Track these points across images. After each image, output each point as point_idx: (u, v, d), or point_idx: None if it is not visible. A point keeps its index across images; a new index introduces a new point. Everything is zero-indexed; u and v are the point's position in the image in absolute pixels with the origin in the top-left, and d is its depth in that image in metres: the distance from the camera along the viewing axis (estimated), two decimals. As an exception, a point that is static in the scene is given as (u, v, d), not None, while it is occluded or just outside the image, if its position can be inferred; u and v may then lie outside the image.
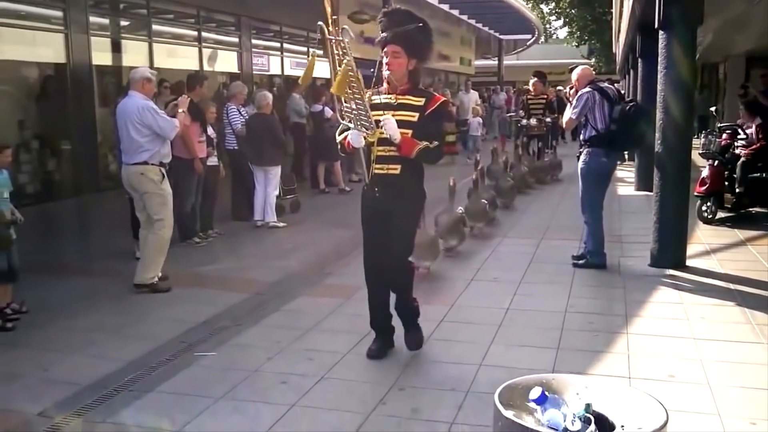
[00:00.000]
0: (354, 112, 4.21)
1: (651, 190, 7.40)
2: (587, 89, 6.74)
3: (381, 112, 4.31)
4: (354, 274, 5.40)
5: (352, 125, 4.29)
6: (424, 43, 4.45)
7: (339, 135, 4.52)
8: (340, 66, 4.07)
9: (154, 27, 12.84)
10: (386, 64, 4.34)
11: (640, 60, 11.69)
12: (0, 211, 5.32)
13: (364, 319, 5.27)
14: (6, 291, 5.57)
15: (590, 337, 4.98)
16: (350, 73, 4.07)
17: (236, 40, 15.40)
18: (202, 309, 5.74)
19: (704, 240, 8.01)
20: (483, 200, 8.47)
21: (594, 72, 7.56)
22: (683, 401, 3.89)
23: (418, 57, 4.40)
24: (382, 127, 4.21)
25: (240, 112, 9.43)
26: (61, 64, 10.75)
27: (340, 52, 4.08)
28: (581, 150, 6.91)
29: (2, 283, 5.47)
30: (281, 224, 9.19)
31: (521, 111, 14.83)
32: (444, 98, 4.51)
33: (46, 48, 10.66)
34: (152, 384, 4.25)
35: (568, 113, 6.93)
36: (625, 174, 13.75)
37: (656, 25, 6.72)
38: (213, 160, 8.29)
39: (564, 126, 7.43)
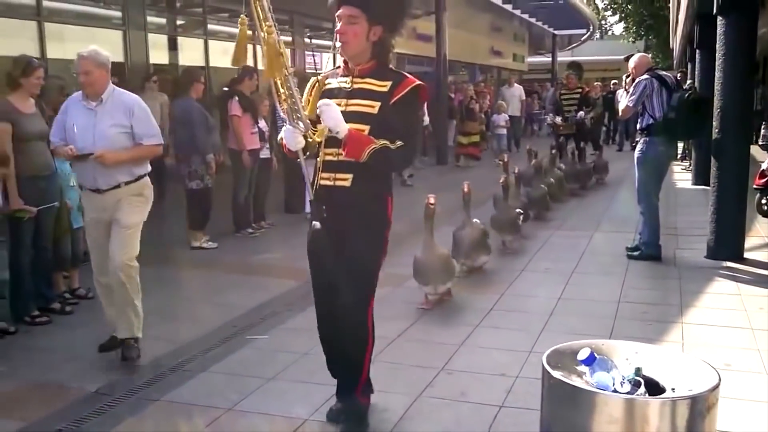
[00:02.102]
0: (287, 101, 3.11)
1: (708, 184, 7.24)
2: (645, 76, 6.61)
3: (335, 101, 3.18)
4: (405, 265, 5.40)
5: (286, 119, 3.19)
6: (392, 3, 3.26)
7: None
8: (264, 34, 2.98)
9: (210, 26, 13.09)
10: (337, 33, 3.20)
11: (698, 51, 11.43)
12: (62, 201, 5.49)
13: (412, 307, 5.35)
14: (73, 276, 5.78)
15: (644, 326, 4.90)
16: (274, 44, 2.98)
17: (289, 38, 15.57)
18: (253, 295, 5.83)
19: (763, 233, 7.80)
20: (516, 209, 7.31)
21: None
22: (740, 390, 3.79)
23: (384, 24, 3.20)
24: (319, 114, 3.13)
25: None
26: (119, 63, 11.05)
27: (262, 16, 2.95)
28: (638, 139, 6.81)
29: (66, 268, 5.67)
30: (332, 217, 9.23)
31: (550, 108, 13.85)
32: (418, 82, 3.25)
33: (105, 46, 10.96)
34: (205, 365, 4.34)
35: (625, 101, 6.82)
36: (682, 168, 13.51)
37: (714, 11, 6.57)
38: (265, 153, 8.39)
39: (620, 114, 7.26)
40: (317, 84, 3.39)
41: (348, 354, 3.45)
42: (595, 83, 19.90)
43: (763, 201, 8.71)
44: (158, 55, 11.85)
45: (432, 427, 3.47)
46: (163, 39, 12.20)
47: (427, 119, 14.14)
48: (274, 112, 9.56)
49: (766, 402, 3.70)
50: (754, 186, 8.52)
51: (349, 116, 3.15)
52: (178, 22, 12.85)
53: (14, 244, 5.06)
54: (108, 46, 10.94)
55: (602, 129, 19.09)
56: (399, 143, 3.14)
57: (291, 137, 3.17)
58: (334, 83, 3.34)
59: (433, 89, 16.70)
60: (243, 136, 7.91)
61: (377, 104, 3.19)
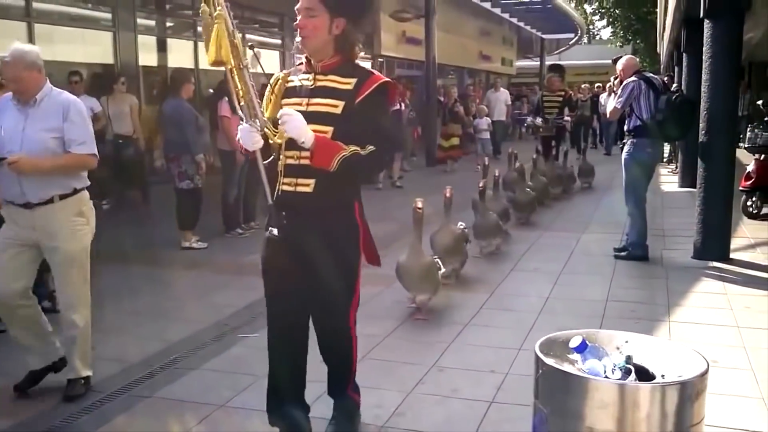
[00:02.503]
0: (245, 97, 2.89)
1: (695, 187, 7.33)
2: (633, 78, 6.69)
3: (295, 101, 3.01)
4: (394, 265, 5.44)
5: (243, 116, 2.91)
6: None
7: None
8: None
9: (199, 28, 13.08)
10: (296, 27, 2.99)
11: (684, 55, 11.55)
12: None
13: (402, 306, 5.38)
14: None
15: (631, 324, 4.93)
16: (224, 29, 2.78)
17: (279, 41, 15.60)
18: (245, 294, 5.83)
19: (749, 234, 7.90)
20: (492, 213, 7.01)
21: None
22: (726, 385, 3.85)
23: (347, 16, 2.97)
24: (282, 124, 2.86)
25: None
26: (109, 64, 11.05)
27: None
28: (625, 141, 6.89)
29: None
30: (323, 218, 9.26)
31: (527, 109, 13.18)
32: (386, 79, 3.05)
33: (95, 48, 10.97)
34: (197, 362, 4.36)
35: (612, 103, 6.90)
36: (669, 171, 13.64)
37: (701, 14, 6.65)
38: (256, 153, 8.41)
39: (608, 116, 7.28)
40: (279, 82, 3.13)
41: (335, 357, 3.30)
42: (583, 85, 19.95)
43: (749, 203, 8.82)
44: (148, 56, 11.85)
45: (424, 423, 3.51)
46: (152, 41, 12.20)
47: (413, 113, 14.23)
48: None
49: (752, 397, 3.77)
50: (740, 188, 8.63)
51: (310, 117, 2.91)
52: (168, 24, 12.85)
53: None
54: (98, 47, 10.98)
55: (590, 132, 19.15)
56: (370, 148, 2.90)
57: (248, 137, 2.90)
58: (296, 81, 3.10)
59: (423, 92, 16.79)
60: (234, 137, 7.91)
61: (341, 104, 2.95)
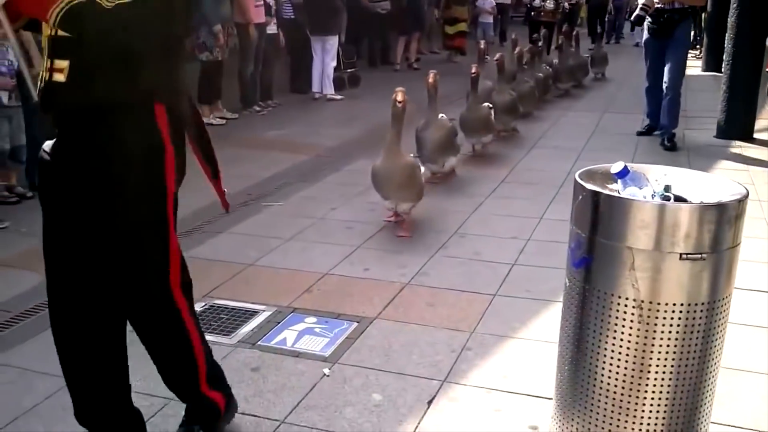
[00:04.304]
0: None
1: (719, 71, 7.16)
2: None
3: None
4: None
5: None
6: None
7: None
8: None
9: None
10: None
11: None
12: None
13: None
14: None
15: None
16: None
17: None
18: (266, 167, 5.88)
19: (773, 116, 7.80)
20: (484, 105, 5.96)
21: None
22: (748, 253, 3.88)
23: None
24: None
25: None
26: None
27: None
28: (677, 19, 6.43)
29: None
30: (338, 97, 9.18)
31: None
32: None
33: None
34: (224, 226, 4.44)
35: None
36: (693, 55, 13.33)
37: None
38: (272, 28, 8.25)
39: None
40: None
41: (162, 347, 2.22)
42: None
43: (775, 86, 8.64)
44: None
45: (447, 281, 3.58)
46: None
47: None
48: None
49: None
50: (767, 70, 8.42)
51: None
52: None
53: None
54: None
55: (606, 18, 18.23)
56: None
57: None
58: None
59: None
60: (248, 9, 7.75)
61: None
